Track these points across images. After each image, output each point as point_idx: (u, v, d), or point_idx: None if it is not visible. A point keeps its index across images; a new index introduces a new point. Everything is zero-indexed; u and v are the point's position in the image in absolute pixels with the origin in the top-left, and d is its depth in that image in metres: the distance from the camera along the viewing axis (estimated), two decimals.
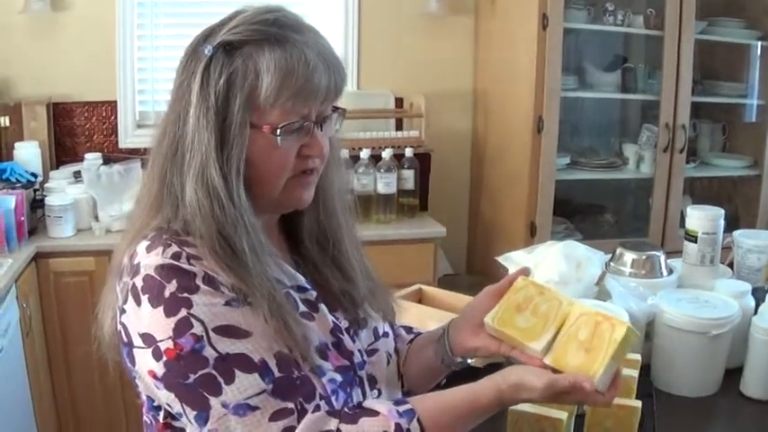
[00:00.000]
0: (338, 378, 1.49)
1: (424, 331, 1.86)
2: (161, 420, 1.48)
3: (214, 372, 1.33)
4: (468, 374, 1.62)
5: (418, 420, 1.38)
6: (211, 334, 1.34)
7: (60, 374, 3.77)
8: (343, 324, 1.59)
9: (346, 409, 1.42)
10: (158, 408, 1.47)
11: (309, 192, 1.54)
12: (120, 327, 1.43)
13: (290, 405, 1.35)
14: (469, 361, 1.72)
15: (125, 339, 1.42)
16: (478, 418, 1.46)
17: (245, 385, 1.33)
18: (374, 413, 1.39)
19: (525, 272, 1.63)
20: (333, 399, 1.45)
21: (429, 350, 1.73)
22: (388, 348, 1.70)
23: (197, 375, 1.33)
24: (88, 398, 3.83)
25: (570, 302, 1.55)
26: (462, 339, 1.65)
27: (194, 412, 1.34)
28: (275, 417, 1.33)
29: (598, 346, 1.45)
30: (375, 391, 1.61)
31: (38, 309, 3.62)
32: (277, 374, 1.36)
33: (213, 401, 1.33)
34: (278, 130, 1.43)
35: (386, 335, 1.71)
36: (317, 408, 1.38)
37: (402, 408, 1.39)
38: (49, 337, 3.70)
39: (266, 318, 1.38)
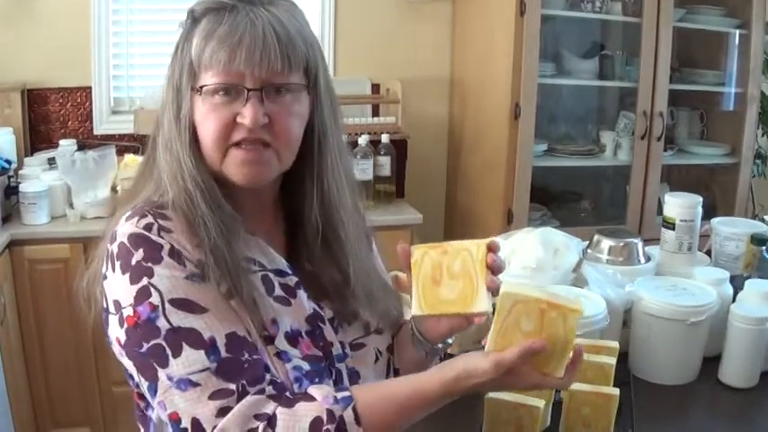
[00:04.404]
0: (305, 367, 1.48)
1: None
2: (134, 390, 1.50)
3: (164, 343, 1.35)
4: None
5: (353, 408, 1.36)
6: (167, 305, 1.36)
7: (35, 362, 3.74)
8: (327, 314, 1.58)
9: (288, 394, 1.40)
10: (131, 376, 1.46)
11: (250, 169, 1.46)
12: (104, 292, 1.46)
13: (232, 386, 1.35)
14: (449, 341, 1.66)
15: (104, 305, 1.45)
16: (424, 410, 1.41)
17: (190, 360, 1.34)
18: (311, 398, 1.38)
19: (405, 247, 1.55)
20: (296, 387, 1.45)
21: (409, 347, 1.69)
22: (377, 345, 1.67)
23: (149, 345, 1.35)
24: (63, 384, 3.80)
25: (479, 245, 1.45)
26: (429, 328, 1.62)
27: (146, 383, 1.37)
28: (215, 396, 1.33)
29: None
30: None
31: (12, 296, 3.58)
32: (224, 354, 1.36)
33: (160, 373, 1.34)
34: (200, 90, 1.44)
35: (378, 332, 1.68)
36: (261, 392, 1.37)
37: (340, 395, 1.38)
38: (24, 324, 3.67)
39: (224, 294, 1.40)
